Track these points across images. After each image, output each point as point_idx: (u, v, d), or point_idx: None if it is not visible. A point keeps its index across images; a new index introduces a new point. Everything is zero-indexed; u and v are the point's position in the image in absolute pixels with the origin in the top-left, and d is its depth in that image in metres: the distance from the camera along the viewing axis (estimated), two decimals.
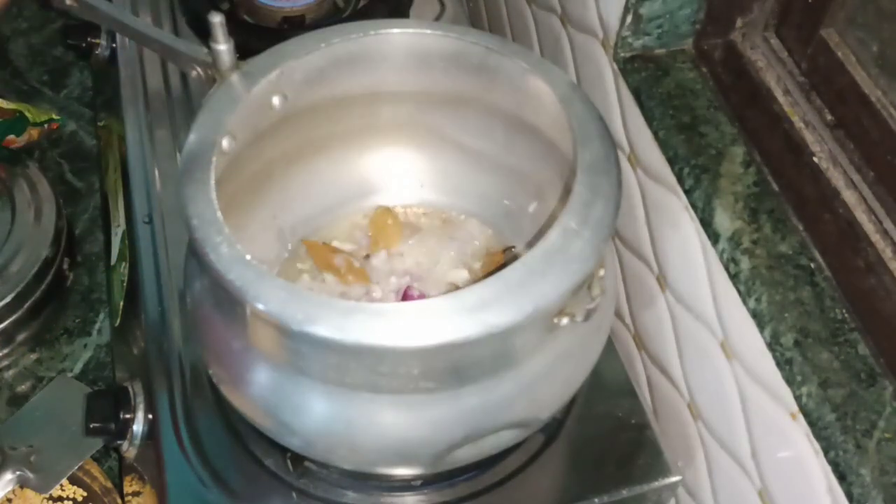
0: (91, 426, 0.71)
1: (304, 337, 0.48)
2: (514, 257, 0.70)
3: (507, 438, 0.58)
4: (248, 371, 0.55)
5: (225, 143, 0.56)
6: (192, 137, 0.55)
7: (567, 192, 0.62)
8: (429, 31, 0.62)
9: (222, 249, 0.49)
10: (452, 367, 0.51)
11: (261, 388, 0.55)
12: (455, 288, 0.70)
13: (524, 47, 0.62)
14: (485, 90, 0.64)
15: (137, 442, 0.71)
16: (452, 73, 0.64)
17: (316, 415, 0.54)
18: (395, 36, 0.63)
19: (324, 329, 0.47)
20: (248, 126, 0.60)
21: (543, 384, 0.56)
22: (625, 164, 0.75)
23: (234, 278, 0.48)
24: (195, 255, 0.52)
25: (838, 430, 0.52)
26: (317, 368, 0.52)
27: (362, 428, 0.54)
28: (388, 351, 0.48)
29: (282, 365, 0.54)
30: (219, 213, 0.51)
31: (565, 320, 0.51)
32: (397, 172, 0.74)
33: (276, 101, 0.61)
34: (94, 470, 0.83)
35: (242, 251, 0.49)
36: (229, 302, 0.53)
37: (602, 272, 0.53)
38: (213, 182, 0.52)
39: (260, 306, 0.48)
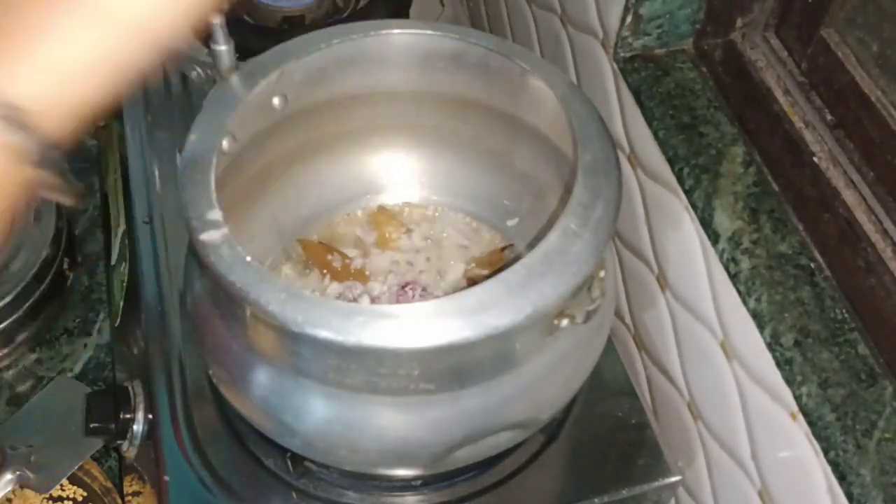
0: (91, 426, 0.71)
1: (305, 338, 0.48)
2: (516, 257, 0.70)
3: (506, 439, 0.58)
4: (248, 372, 0.55)
5: (225, 143, 0.56)
6: (192, 138, 0.55)
7: (567, 192, 0.62)
8: (429, 32, 0.62)
9: (223, 251, 0.49)
10: (452, 368, 0.51)
11: (261, 389, 0.55)
12: (455, 287, 0.70)
13: (524, 48, 0.62)
14: (485, 90, 0.64)
15: (137, 442, 0.71)
16: (452, 74, 0.64)
17: (316, 416, 0.54)
18: (396, 36, 0.63)
19: (324, 331, 0.47)
20: (249, 127, 0.60)
21: (543, 385, 0.56)
22: (625, 164, 0.75)
23: (235, 280, 0.48)
24: (195, 256, 0.52)
25: (838, 430, 0.52)
26: (317, 370, 0.52)
27: (362, 429, 0.54)
28: (389, 352, 0.48)
29: (282, 366, 0.54)
30: (219, 215, 0.51)
31: (565, 322, 0.51)
32: (397, 172, 0.74)
33: (276, 101, 0.61)
34: (94, 470, 0.83)
35: (243, 253, 0.49)
36: (229, 303, 0.53)
37: (602, 274, 0.53)
38: (213, 183, 0.52)
39: (260, 308, 0.48)
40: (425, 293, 0.70)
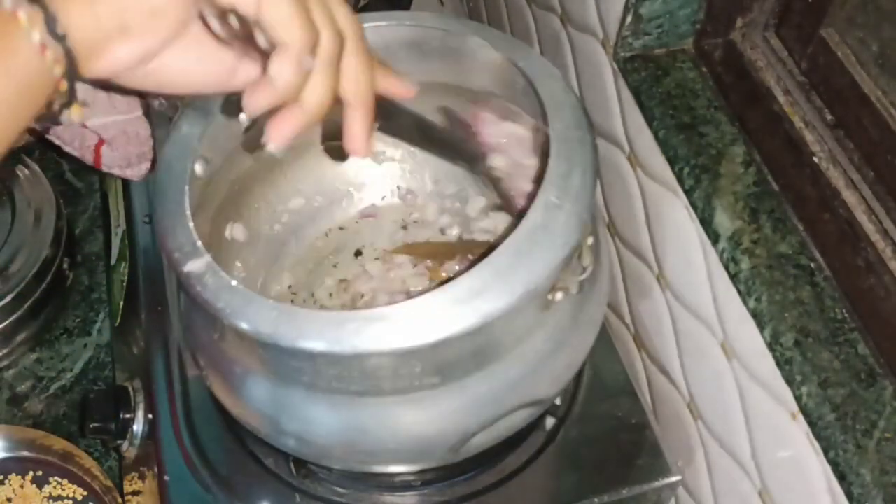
0: (91, 426, 0.71)
1: (302, 353, 0.48)
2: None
3: (520, 419, 0.58)
4: (255, 393, 0.55)
5: (198, 167, 0.56)
6: (162, 168, 0.55)
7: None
8: (384, 23, 0.61)
9: (207, 279, 0.49)
10: (455, 358, 0.51)
11: (268, 407, 0.55)
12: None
13: (484, 25, 0.61)
14: (450, 73, 0.63)
15: (137, 442, 0.71)
16: (416, 61, 0.62)
17: (328, 426, 0.54)
18: None
19: (319, 343, 0.47)
20: (219, 145, 0.59)
21: (547, 361, 0.55)
22: (625, 164, 0.75)
23: (224, 306, 0.48)
24: (181, 287, 0.52)
25: (838, 430, 0.52)
26: (320, 381, 0.52)
27: (375, 432, 0.54)
28: (386, 355, 0.48)
29: (287, 382, 0.53)
30: (199, 243, 0.50)
31: (560, 295, 0.50)
32: (378, 167, 0.74)
33: (243, 115, 0.61)
34: (95, 470, 0.83)
35: (227, 278, 0.49)
36: (230, 332, 0.52)
37: (591, 241, 0.52)
38: (189, 212, 0.52)
39: (253, 330, 0.47)
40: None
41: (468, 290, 0.47)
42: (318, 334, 0.47)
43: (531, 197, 0.53)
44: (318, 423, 0.54)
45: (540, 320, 0.53)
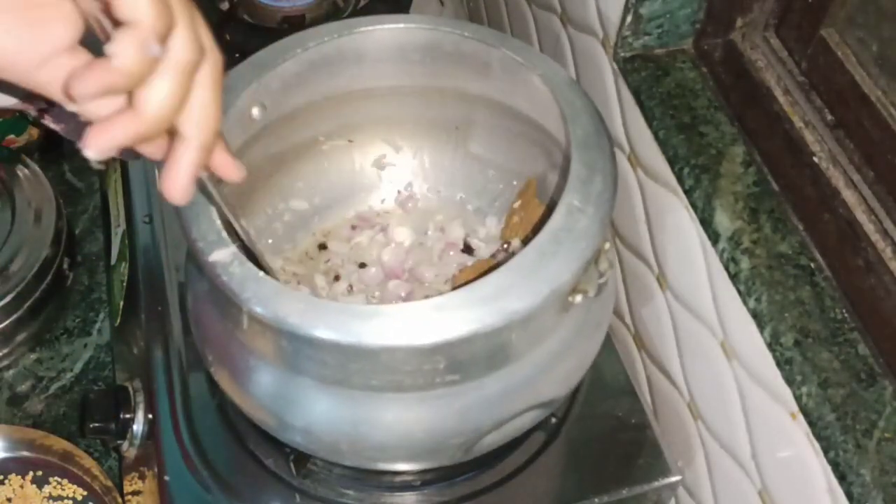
0: (91, 426, 0.71)
1: (326, 346, 0.48)
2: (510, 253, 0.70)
3: (530, 419, 0.59)
4: (268, 386, 0.55)
5: None
6: None
7: (554, 169, 0.62)
8: (402, 25, 0.61)
9: (233, 268, 0.49)
10: (476, 356, 0.51)
11: (282, 400, 0.55)
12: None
13: (499, 32, 0.62)
14: (464, 78, 0.63)
15: (137, 442, 0.71)
16: (429, 64, 0.63)
17: (341, 421, 0.54)
18: (369, 34, 0.62)
19: (347, 336, 0.47)
20: (231, 140, 0.59)
21: (562, 362, 0.57)
22: (625, 164, 0.75)
23: (251, 296, 0.48)
24: (206, 276, 0.52)
25: (838, 430, 0.52)
26: (341, 375, 0.52)
27: (390, 428, 0.54)
28: (412, 350, 0.48)
29: (303, 375, 0.53)
30: (224, 233, 0.50)
31: (579, 297, 0.52)
32: (385, 169, 0.74)
33: (255, 111, 0.61)
34: (95, 469, 0.83)
35: (254, 268, 0.49)
36: (250, 322, 0.52)
37: (607, 246, 0.54)
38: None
39: (281, 322, 0.47)
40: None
41: (494, 289, 0.48)
42: (346, 327, 0.47)
43: None
44: (330, 417, 0.54)
45: (558, 322, 0.54)
